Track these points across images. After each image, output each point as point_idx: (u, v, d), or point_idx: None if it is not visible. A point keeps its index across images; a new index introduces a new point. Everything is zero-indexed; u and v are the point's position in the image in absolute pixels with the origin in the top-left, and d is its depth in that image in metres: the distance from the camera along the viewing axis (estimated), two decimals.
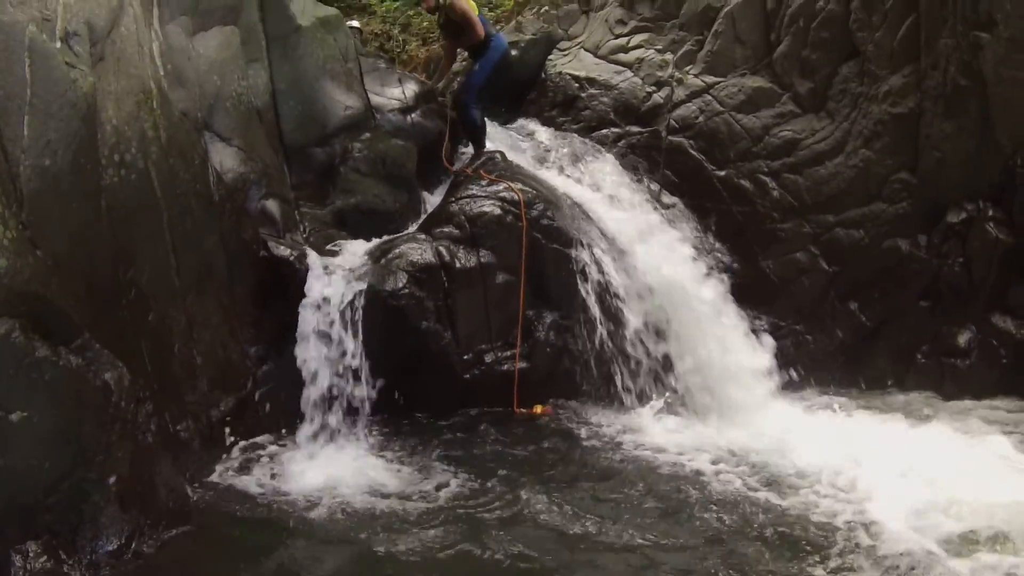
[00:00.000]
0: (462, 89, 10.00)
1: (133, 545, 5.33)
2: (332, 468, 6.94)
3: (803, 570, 5.40)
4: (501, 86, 10.22)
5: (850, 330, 9.10)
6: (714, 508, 6.31)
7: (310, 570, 5.51)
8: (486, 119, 9.99)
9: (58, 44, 5.48)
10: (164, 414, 6.03)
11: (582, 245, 8.58)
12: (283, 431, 7.44)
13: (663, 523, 6.11)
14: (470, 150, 9.98)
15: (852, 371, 8.96)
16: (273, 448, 7.23)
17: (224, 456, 6.86)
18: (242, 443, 7.11)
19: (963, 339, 8.42)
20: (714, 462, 7.16)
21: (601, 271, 8.54)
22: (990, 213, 8.37)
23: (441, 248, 8.16)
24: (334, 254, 8.16)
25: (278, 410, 7.50)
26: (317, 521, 6.12)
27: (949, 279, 8.52)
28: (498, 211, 8.47)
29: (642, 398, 8.46)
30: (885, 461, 6.80)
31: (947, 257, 8.52)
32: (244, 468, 6.82)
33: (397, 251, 8.08)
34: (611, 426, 7.99)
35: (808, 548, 5.67)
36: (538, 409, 8.23)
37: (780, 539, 5.81)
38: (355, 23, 13.11)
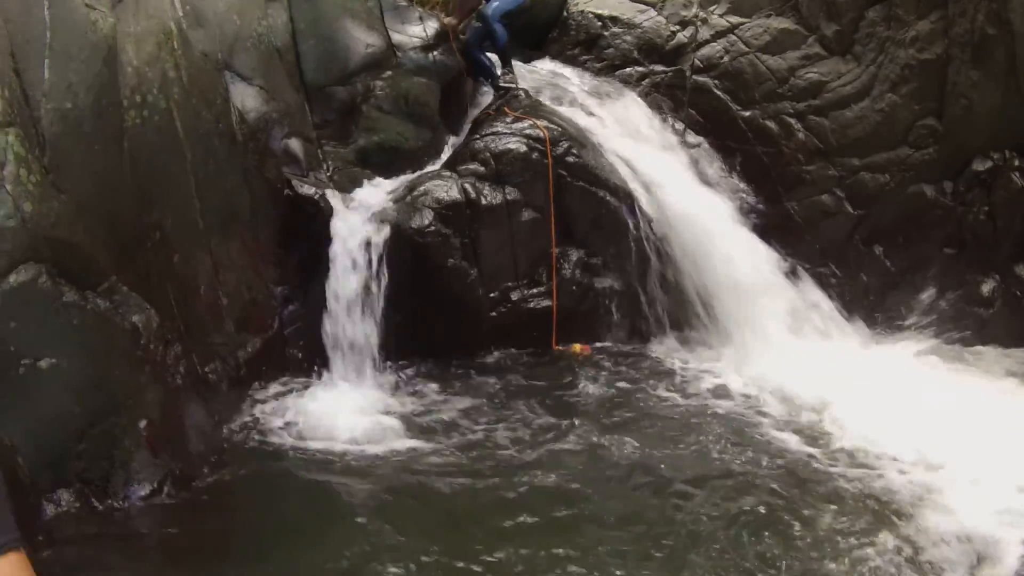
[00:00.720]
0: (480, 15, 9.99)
1: (165, 490, 5.36)
2: (359, 408, 6.96)
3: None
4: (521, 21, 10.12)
5: (875, 274, 8.99)
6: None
7: (339, 509, 5.53)
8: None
9: None
10: (192, 356, 6.03)
11: (608, 182, 8.49)
12: (310, 371, 7.46)
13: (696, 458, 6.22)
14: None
15: (876, 314, 8.88)
16: (300, 388, 7.24)
17: (252, 397, 6.88)
18: (269, 383, 7.12)
19: (987, 288, 8.33)
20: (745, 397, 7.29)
21: (628, 208, 8.46)
22: (1016, 163, 8.25)
23: (467, 185, 8.10)
24: (358, 191, 8.10)
25: (304, 350, 7.53)
26: (344, 461, 6.15)
27: (974, 227, 8.41)
28: (523, 148, 8.39)
29: (669, 334, 8.43)
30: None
31: (972, 205, 8.41)
32: (272, 409, 6.83)
33: (422, 188, 8.03)
34: (641, 364, 8.05)
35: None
36: (576, 348, 8.24)
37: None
38: None
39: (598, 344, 8.41)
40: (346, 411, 6.88)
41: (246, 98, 7.47)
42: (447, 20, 9.79)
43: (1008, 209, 8.24)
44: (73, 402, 4.93)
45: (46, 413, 4.78)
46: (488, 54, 10.07)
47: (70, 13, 5.24)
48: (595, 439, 6.48)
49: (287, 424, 6.64)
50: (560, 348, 8.22)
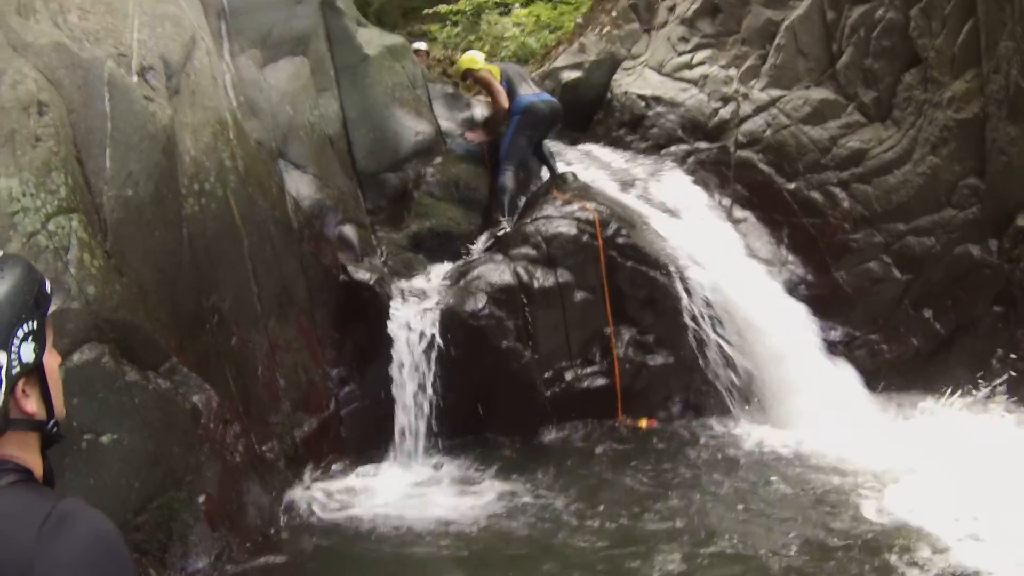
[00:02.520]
0: (497, 152, 9.94)
1: (222, 563, 5.46)
2: (412, 488, 7.06)
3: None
4: (538, 139, 10.03)
5: (925, 338, 8.94)
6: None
7: None
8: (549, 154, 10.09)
9: (135, 79, 5.67)
10: (250, 435, 6.16)
11: (658, 261, 8.60)
12: (365, 451, 7.55)
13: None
14: None
15: (928, 379, 8.85)
16: (355, 468, 7.33)
17: (307, 476, 6.97)
18: (325, 463, 7.21)
19: None
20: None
21: (678, 286, 8.54)
22: None
23: (519, 269, 8.23)
24: (413, 277, 8.28)
25: (359, 431, 7.63)
26: (395, 538, 6.21)
27: (1022, 283, 8.34)
28: (574, 231, 8.51)
29: (722, 411, 8.47)
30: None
31: (1019, 261, 8.34)
32: (327, 488, 6.91)
33: (475, 272, 8.18)
34: (696, 439, 8.08)
35: None
36: (643, 422, 8.31)
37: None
38: (422, 45, 13.30)
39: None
40: (400, 490, 6.99)
41: (300, 186, 7.71)
42: (469, 137, 9.98)
43: None
44: (133, 476, 5.06)
45: (106, 485, 4.91)
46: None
47: (129, 105, 5.48)
48: (650, 512, 6.53)
49: (342, 502, 6.72)
50: (628, 422, 8.29)
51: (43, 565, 1.71)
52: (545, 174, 10.04)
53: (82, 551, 1.75)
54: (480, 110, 10.11)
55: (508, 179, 9.43)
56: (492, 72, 9.93)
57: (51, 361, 2.00)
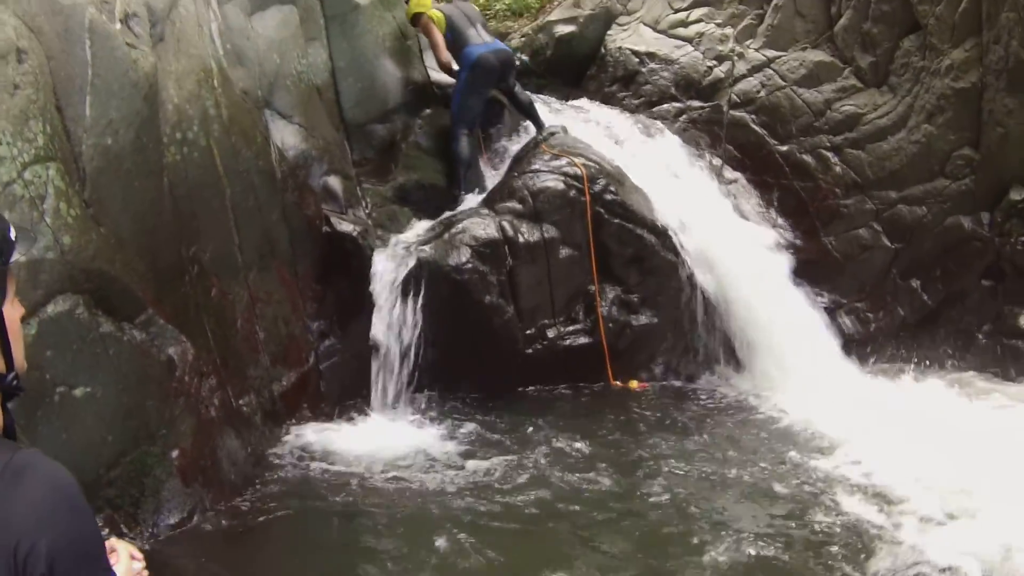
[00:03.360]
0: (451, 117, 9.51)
1: (195, 519, 5.44)
2: (393, 440, 7.03)
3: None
4: (487, 95, 9.55)
5: (912, 308, 8.97)
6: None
7: (369, 543, 5.56)
8: (532, 98, 9.87)
9: (118, 26, 5.56)
10: (227, 389, 6.11)
11: (645, 219, 8.56)
12: (345, 405, 7.56)
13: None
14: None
15: (914, 349, 8.84)
16: (334, 421, 7.32)
17: (286, 430, 6.94)
18: (303, 417, 7.18)
19: None
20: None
21: (665, 245, 8.52)
22: None
23: (504, 223, 8.17)
24: (398, 229, 8.20)
25: (339, 385, 7.61)
26: (376, 495, 6.19)
27: (1012, 258, 8.35)
28: (561, 186, 8.45)
29: (705, 372, 8.50)
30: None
31: (1010, 236, 8.35)
32: (305, 442, 6.88)
33: (460, 226, 8.12)
34: (680, 399, 8.19)
35: None
36: (634, 384, 8.35)
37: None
38: None
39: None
40: (380, 443, 6.96)
41: (286, 136, 7.62)
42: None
43: None
44: (106, 430, 5.01)
45: (79, 440, 4.86)
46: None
47: (111, 51, 5.37)
48: (627, 472, 6.56)
49: (320, 455, 6.70)
50: (618, 383, 8.31)
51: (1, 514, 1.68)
52: (524, 128, 9.91)
53: (40, 501, 1.71)
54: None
55: (463, 146, 9.10)
56: (435, 19, 9.42)
57: (11, 312, 1.93)
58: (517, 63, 9.91)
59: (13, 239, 1.94)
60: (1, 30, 4.75)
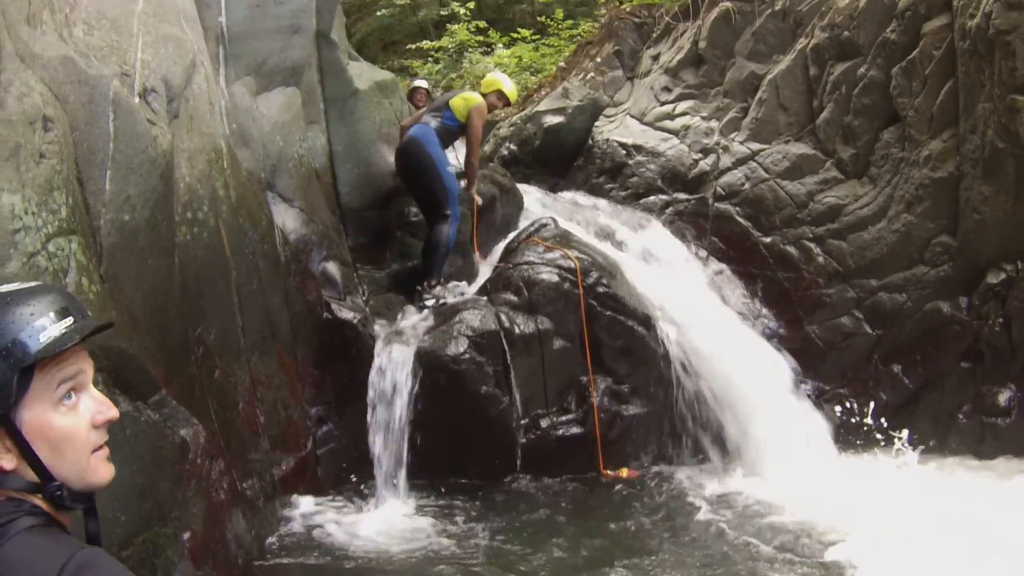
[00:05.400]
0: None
1: None
2: (390, 528, 6.97)
3: None
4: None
5: (893, 392, 9.03)
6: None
7: None
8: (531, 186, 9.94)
9: (136, 100, 5.54)
10: (232, 471, 6.01)
11: (636, 311, 8.57)
12: (341, 490, 7.49)
13: None
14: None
15: (895, 433, 8.86)
16: (330, 506, 7.22)
17: (285, 514, 6.84)
18: (300, 501, 7.08)
19: (1003, 398, 8.33)
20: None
21: (654, 336, 8.53)
22: None
23: (501, 314, 8.16)
24: (393, 317, 8.19)
25: (336, 470, 7.56)
26: (368, 571, 6.18)
27: (990, 340, 8.45)
28: (555, 278, 8.47)
29: (694, 460, 8.50)
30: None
31: (987, 318, 8.46)
32: (304, 526, 6.81)
33: (458, 316, 8.11)
34: (667, 488, 8.07)
35: None
36: (624, 472, 8.26)
37: None
38: (423, 83, 13.21)
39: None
40: (376, 528, 6.92)
41: (287, 219, 7.61)
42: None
43: (1023, 319, 8.30)
44: (120, 510, 4.89)
45: None
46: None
47: (133, 127, 5.33)
48: (610, 563, 6.48)
49: (318, 540, 6.63)
50: (609, 473, 8.24)
51: None
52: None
53: None
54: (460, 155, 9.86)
55: (451, 240, 8.86)
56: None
57: (55, 417, 1.84)
58: None
59: (30, 344, 1.81)
60: (29, 96, 4.69)
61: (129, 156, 5.31)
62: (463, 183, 9.20)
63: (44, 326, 1.83)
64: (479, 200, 9.40)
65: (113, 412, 1.95)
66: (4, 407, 1.78)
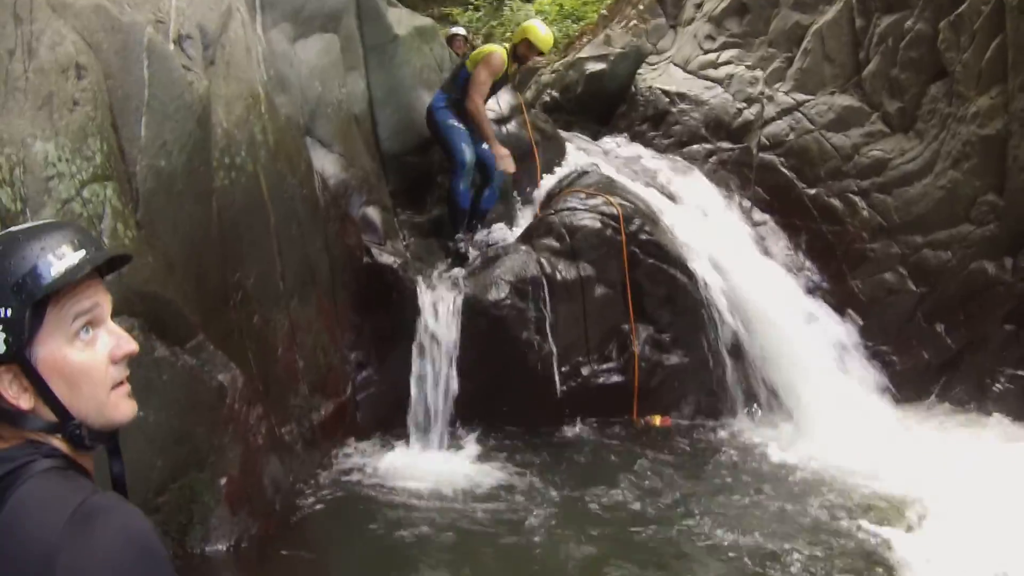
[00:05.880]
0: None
1: (241, 545, 5.36)
2: (430, 472, 7.00)
3: None
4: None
5: (935, 351, 8.89)
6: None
7: (406, 563, 5.60)
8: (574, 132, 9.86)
9: (172, 47, 5.53)
10: (271, 416, 6.04)
11: (679, 259, 8.52)
12: (381, 435, 7.52)
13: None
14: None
15: (936, 392, 8.80)
16: (371, 452, 7.28)
17: (324, 459, 6.89)
18: (340, 446, 7.16)
19: None
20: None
21: (697, 285, 8.47)
22: None
23: (543, 260, 8.16)
24: (433, 262, 8.19)
25: (375, 415, 7.59)
26: (415, 524, 6.16)
27: None
28: (598, 224, 8.44)
29: (735, 410, 8.41)
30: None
31: None
32: (343, 470, 6.87)
33: (499, 262, 8.11)
34: (708, 439, 8.08)
35: None
36: (657, 420, 8.28)
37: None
38: (461, 30, 13.15)
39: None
40: (417, 473, 6.94)
41: (326, 164, 7.59)
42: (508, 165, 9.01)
43: None
44: (156, 455, 4.93)
45: (128, 463, 4.74)
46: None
47: (168, 73, 5.33)
48: (654, 505, 6.53)
49: (358, 484, 6.68)
50: (642, 421, 8.24)
51: (66, 561, 1.57)
52: None
53: (110, 550, 1.60)
54: (506, 96, 9.85)
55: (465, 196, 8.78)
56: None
57: (57, 353, 1.78)
58: None
59: (44, 275, 1.75)
60: (61, 45, 4.70)
61: (164, 102, 5.31)
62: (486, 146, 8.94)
63: (56, 259, 1.78)
64: (509, 166, 8.88)
65: (132, 346, 1.89)
66: (18, 344, 1.74)
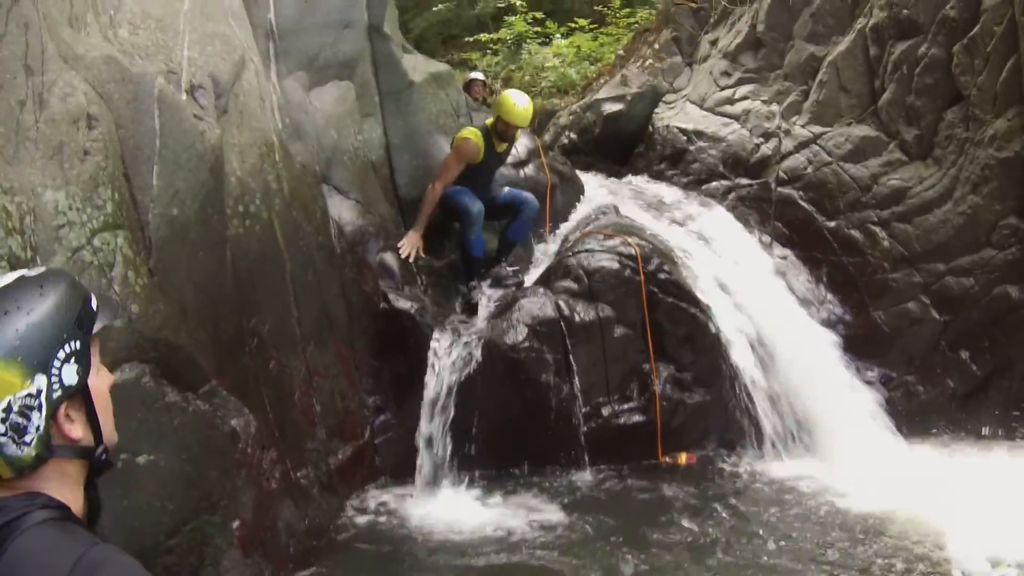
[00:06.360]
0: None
1: None
2: (449, 519, 6.98)
3: None
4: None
5: (961, 380, 8.83)
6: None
7: None
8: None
9: (184, 96, 5.64)
10: (286, 461, 6.09)
11: (697, 298, 8.51)
12: (399, 480, 7.52)
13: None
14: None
15: (963, 421, 8.75)
16: (389, 497, 7.28)
17: (342, 504, 6.91)
18: (358, 491, 7.18)
19: None
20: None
21: (716, 323, 8.46)
22: None
23: (560, 302, 8.15)
24: (451, 307, 8.23)
25: (394, 459, 7.58)
26: (427, 564, 6.21)
27: None
28: (616, 265, 8.44)
29: (757, 448, 8.38)
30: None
31: None
32: (360, 515, 6.89)
33: (517, 305, 8.11)
34: (731, 476, 8.04)
35: None
36: (683, 458, 8.21)
37: None
38: (479, 75, 13.26)
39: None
40: (434, 519, 6.94)
41: (343, 211, 7.68)
42: None
43: None
44: (167, 498, 4.98)
45: (140, 507, 4.84)
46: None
47: (179, 123, 5.43)
48: (684, 547, 6.49)
49: (376, 530, 6.69)
50: (667, 459, 8.19)
51: None
52: None
53: None
54: (524, 140, 9.89)
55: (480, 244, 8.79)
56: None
57: (99, 383, 1.91)
58: None
59: (94, 309, 1.92)
60: (73, 96, 4.80)
61: (176, 151, 5.40)
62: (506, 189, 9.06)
63: (92, 296, 1.94)
64: (403, 250, 8.49)
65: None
66: (86, 375, 1.86)
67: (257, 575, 5.45)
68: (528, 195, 8.96)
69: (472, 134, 8.60)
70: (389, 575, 6.07)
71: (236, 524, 5.35)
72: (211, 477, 5.28)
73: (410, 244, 8.44)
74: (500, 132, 8.71)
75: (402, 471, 7.56)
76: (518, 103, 8.65)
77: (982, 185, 8.66)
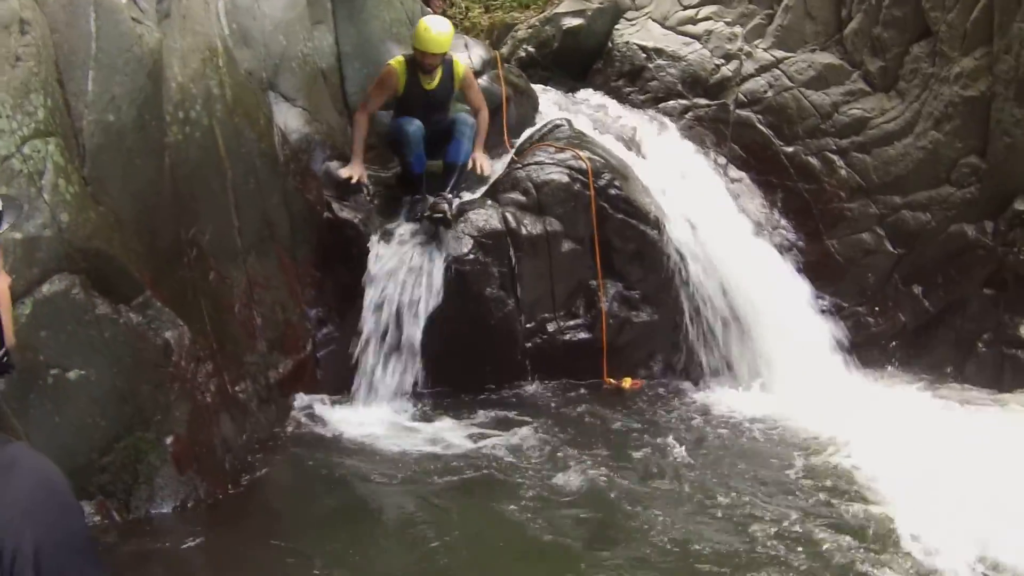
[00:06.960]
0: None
1: (189, 505, 5.35)
2: (388, 433, 6.97)
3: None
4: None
5: (912, 315, 8.87)
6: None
7: (362, 532, 5.53)
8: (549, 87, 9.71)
9: (124, 0, 5.46)
10: (223, 374, 6.02)
11: (649, 215, 8.43)
12: (341, 393, 7.45)
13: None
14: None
15: (912, 356, 8.78)
16: (329, 410, 7.21)
17: (281, 417, 6.85)
18: (298, 404, 7.10)
19: None
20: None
21: (667, 241, 8.40)
22: None
23: (507, 214, 8.06)
24: (398, 217, 8.10)
25: (336, 373, 7.51)
26: (370, 486, 6.17)
27: (1014, 268, 8.23)
28: (565, 179, 8.32)
29: (705, 372, 8.40)
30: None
31: (1013, 245, 8.24)
32: (300, 430, 6.83)
33: (463, 216, 8.00)
34: (675, 398, 8.08)
35: None
36: (627, 383, 8.13)
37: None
38: None
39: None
40: (374, 432, 6.92)
41: (289, 118, 7.49)
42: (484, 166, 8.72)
43: None
44: (99, 414, 4.92)
45: (72, 423, 4.78)
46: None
47: (116, 26, 5.27)
48: (613, 466, 6.50)
49: (315, 444, 6.65)
50: (611, 381, 8.12)
51: None
52: None
53: (25, 498, 1.60)
54: (479, 50, 9.68)
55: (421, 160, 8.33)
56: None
57: (2, 284, 1.84)
58: None
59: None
60: (5, 0, 4.64)
61: (113, 56, 5.26)
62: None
63: None
64: (345, 173, 8.01)
65: None
66: None
67: (191, 492, 5.43)
68: (462, 114, 8.64)
69: (396, 62, 8.21)
70: (325, 490, 6.03)
71: (170, 440, 5.31)
72: (144, 392, 5.22)
73: (353, 171, 8.03)
74: (419, 63, 8.16)
75: (344, 384, 7.51)
76: (431, 27, 8.07)
77: (944, 122, 8.61)
